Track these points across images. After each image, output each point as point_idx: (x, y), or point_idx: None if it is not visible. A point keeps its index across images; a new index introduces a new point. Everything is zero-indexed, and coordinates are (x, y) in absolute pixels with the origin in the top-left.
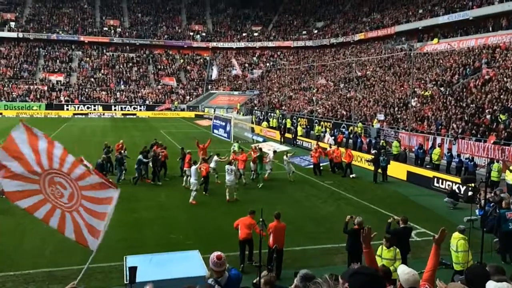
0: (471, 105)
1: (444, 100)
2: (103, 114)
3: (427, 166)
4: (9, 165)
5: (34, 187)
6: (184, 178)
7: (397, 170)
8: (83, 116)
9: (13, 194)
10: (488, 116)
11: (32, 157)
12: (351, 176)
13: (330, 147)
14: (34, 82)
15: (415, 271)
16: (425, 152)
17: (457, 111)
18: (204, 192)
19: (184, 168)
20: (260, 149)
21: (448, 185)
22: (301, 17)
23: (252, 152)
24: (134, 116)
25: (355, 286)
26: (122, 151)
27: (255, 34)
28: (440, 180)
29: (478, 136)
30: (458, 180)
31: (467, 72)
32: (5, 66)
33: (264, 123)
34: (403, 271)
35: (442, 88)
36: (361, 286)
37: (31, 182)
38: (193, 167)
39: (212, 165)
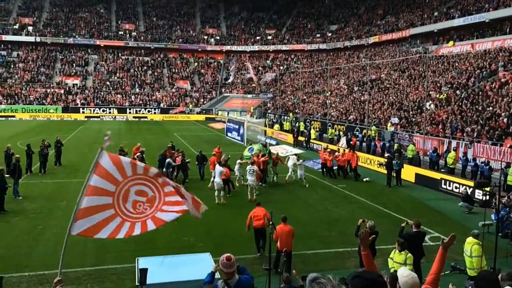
0: (487, 109)
1: (460, 103)
2: (115, 117)
3: (442, 170)
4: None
5: (107, 201)
6: (211, 179)
7: (405, 173)
8: (96, 119)
9: (84, 211)
10: (504, 120)
11: (115, 171)
12: (364, 179)
13: (338, 151)
14: (51, 85)
15: (414, 273)
16: (439, 156)
17: (472, 114)
18: (227, 194)
19: (210, 170)
20: (265, 145)
21: (456, 187)
22: (315, 20)
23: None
24: (146, 119)
25: None
26: (141, 153)
27: (269, 37)
28: (448, 182)
29: (494, 139)
30: (465, 182)
31: (483, 75)
32: (23, 70)
33: (276, 126)
34: (402, 274)
35: (457, 91)
36: None
37: (106, 195)
38: (218, 167)
39: (236, 167)
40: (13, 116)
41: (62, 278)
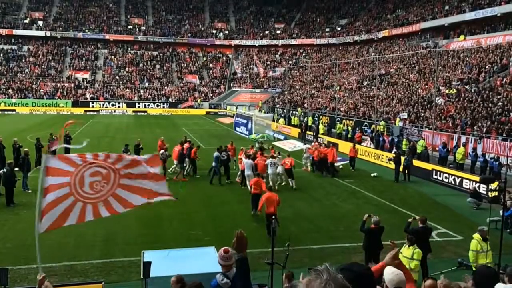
0: (498, 104)
1: (470, 98)
2: (114, 112)
3: (451, 166)
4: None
5: (65, 191)
6: (238, 173)
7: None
8: (94, 112)
9: (46, 208)
10: None
11: (65, 165)
12: (372, 175)
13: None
14: (61, 79)
15: (400, 271)
16: (449, 151)
17: (482, 109)
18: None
19: (239, 165)
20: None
21: (446, 177)
22: (324, 14)
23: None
24: (146, 113)
25: None
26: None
27: (278, 31)
28: (439, 173)
29: (504, 135)
30: (456, 172)
31: (494, 70)
32: (33, 64)
33: (281, 120)
34: (388, 272)
35: (467, 86)
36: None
37: (62, 187)
38: (247, 160)
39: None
40: (14, 110)
41: (45, 273)
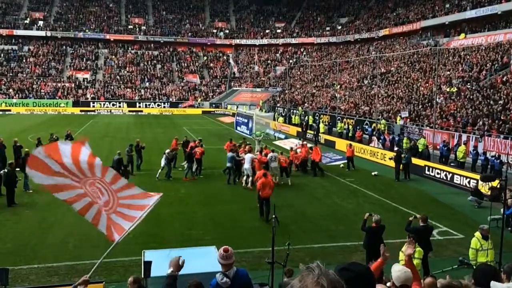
0: (499, 102)
1: (471, 97)
2: (111, 111)
3: (452, 164)
4: (48, 162)
5: (73, 184)
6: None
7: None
8: (93, 112)
9: (52, 187)
10: None
11: (71, 165)
12: (372, 173)
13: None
14: (62, 79)
15: (407, 268)
16: (450, 150)
17: (483, 108)
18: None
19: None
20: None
21: (437, 173)
22: (325, 13)
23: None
24: (142, 113)
25: None
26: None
27: (278, 30)
28: (431, 169)
29: (505, 133)
30: (447, 168)
31: (495, 68)
32: (34, 64)
33: (280, 119)
34: (394, 269)
35: (468, 85)
36: (346, 282)
37: (71, 179)
38: (248, 155)
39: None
40: (9, 110)
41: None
